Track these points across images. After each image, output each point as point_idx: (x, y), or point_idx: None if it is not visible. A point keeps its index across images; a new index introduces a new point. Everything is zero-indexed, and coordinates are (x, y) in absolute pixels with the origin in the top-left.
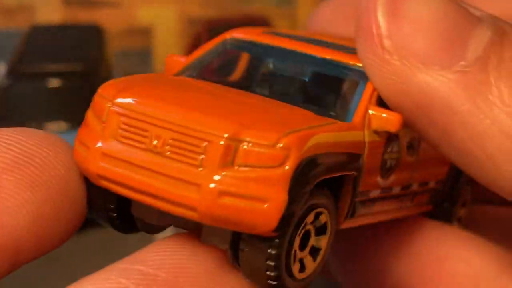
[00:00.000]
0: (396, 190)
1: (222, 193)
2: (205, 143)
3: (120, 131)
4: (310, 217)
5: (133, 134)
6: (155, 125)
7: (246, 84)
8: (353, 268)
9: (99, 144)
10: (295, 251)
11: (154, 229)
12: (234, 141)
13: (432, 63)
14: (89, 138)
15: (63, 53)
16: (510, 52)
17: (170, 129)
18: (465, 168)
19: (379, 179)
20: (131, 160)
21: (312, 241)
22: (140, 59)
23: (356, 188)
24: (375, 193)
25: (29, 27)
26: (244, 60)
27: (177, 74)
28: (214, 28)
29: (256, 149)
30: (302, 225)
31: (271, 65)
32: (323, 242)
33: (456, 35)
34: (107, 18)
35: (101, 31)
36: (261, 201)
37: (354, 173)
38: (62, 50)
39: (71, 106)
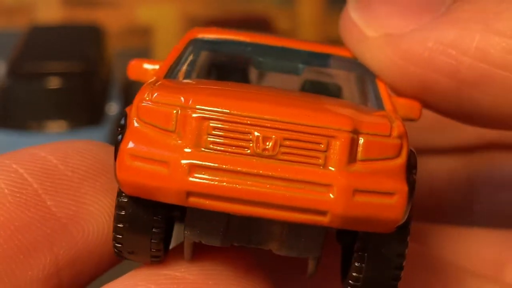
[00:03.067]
0: None
1: (356, 191)
2: (327, 140)
3: (209, 138)
4: None
5: (230, 139)
6: (260, 126)
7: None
8: None
9: (183, 156)
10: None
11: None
12: (356, 134)
13: (416, 22)
14: (160, 152)
15: (62, 53)
16: None
17: (281, 129)
18: (488, 102)
19: None
20: (235, 168)
21: None
22: None
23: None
24: None
25: (29, 27)
26: (220, 60)
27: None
28: None
29: (377, 140)
30: None
31: (258, 64)
32: None
33: None
34: (107, 18)
35: (101, 31)
36: (389, 194)
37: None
38: (62, 50)
39: (71, 106)
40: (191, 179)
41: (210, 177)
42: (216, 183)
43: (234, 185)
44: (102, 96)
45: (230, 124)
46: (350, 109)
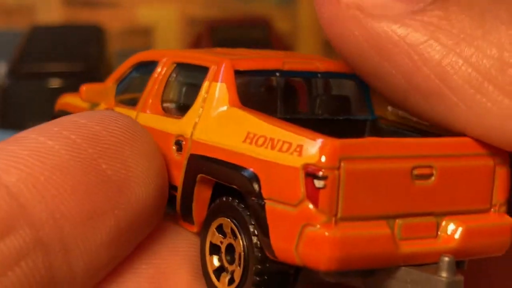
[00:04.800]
0: None
1: None
2: None
3: None
4: None
5: None
6: None
7: None
8: None
9: None
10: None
11: None
12: None
13: (390, 9)
14: None
15: (63, 53)
16: None
17: None
18: (432, 113)
19: None
20: None
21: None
22: None
23: None
24: None
25: (30, 27)
26: None
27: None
28: (215, 28)
29: None
30: None
31: None
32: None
33: None
34: (107, 18)
35: (102, 31)
36: None
37: None
38: (63, 50)
39: None
40: None
41: None
42: None
43: None
44: None
45: None
46: None
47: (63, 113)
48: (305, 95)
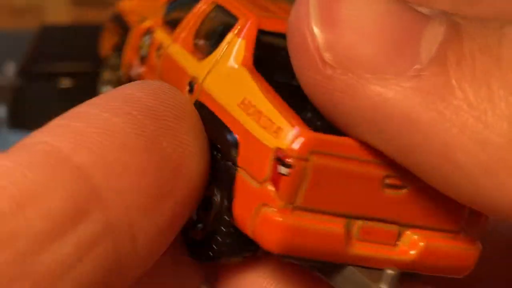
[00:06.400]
0: None
1: None
2: None
3: None
4: None
5: None
6: None
7: None
8: None
9: None
10: None
11: None
12: None
13: (382, 71)
14: None
15: (73, 53)
16: (470, 46)
17: None
18: (438, 186)
19: (135, 61)
20: None
21: None
22: None
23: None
24: (135, 70)
25: (39, 27)
26: None
27: None
28: None
29: None
30: None
31: None
32: None
33: (405, 36)
34: None
35: None
36: None
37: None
38: (73, 50)
39: None
40: None
41: None
42: None
43: None
44: None
45: None
46: None
47: (119, 17)
48: None
